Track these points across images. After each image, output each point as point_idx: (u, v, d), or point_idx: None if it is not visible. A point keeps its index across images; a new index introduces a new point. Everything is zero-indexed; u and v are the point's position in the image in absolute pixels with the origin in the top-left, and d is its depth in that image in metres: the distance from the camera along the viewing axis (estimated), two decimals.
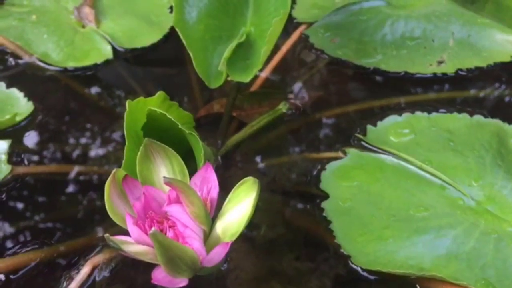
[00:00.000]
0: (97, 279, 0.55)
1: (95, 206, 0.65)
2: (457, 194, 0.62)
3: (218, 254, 0.41)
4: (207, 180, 0.44)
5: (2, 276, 0.56)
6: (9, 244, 0.60)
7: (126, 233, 0.56)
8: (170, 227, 0.42)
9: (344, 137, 0.71)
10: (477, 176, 0.63)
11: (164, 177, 0.40)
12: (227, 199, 0.45)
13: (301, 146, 0.72)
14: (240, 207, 0.43)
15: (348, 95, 0.79)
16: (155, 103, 0.60)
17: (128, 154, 0.53)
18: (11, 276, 0.56)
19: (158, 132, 0.58)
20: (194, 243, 0.40)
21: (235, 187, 0.45)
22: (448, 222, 0.59)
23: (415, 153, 0.66)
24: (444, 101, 0.75)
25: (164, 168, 0.45)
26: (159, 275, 0.40)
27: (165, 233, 0.42)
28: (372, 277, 0.56)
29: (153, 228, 0.37)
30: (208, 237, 0.43)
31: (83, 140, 0.73)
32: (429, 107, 0.73)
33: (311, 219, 0.61)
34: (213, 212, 0.44)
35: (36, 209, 0.64)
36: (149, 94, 0.59)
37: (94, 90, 0.79)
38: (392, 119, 0.70)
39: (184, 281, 0.40)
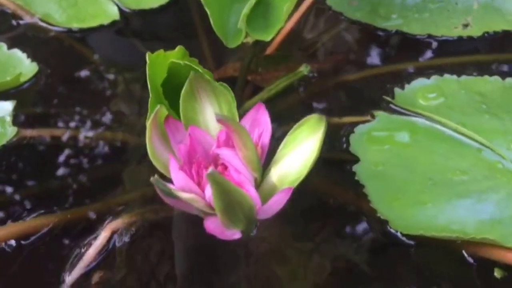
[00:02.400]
0: (117, 244, 0.51)
1: (108, 171, 0.61)
2: (496, 157, 0.58)
3: (277, 202, 0.37)
4: (258, 123, 0.40)
5: (13, 241, 0.52)
6: (18, 209, 0.55)
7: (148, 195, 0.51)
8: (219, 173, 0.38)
9: (369, 100, 0.67)
10: None
11: (217, 114, 0.36)
12: (282, 143, 0.41)
13: (323, 110, 0.68)
14: (301, 149, 0.39)
15: (370, 58, 0.75)
16: (175, 57, 0.55)
17: (153, 108, 0.49)
18: (22, 242, 0.52)
19: (180, 87, 0.54)
20: (251, 190, 0.36)
21: (292, 129, 0.40)
22: (489, 186, 0.56)
23: (447, 116, 0.63)
24: (473, 64, 0.71)
25: (211, 108, 0.40)
26: (212, 224, 0.36)
27: None
28: (412, 242, 0.52)
29: (210, 168, 0.33)
30: (259, 186, 0.38)
31: (91, 104, 0.69)
32: (457, 70, 0.69)
33: (341, 184, 0.57)
34: (263, 160, 0.40)
35: (45, 174, 0.60)
36: None
37: (100, 52, 0.75)
38: (420, 82, 0.67)
39: (238, 233, 0.36)
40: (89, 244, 0.51)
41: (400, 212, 0.53)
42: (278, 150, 0.40)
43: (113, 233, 0.51)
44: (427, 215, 0.53)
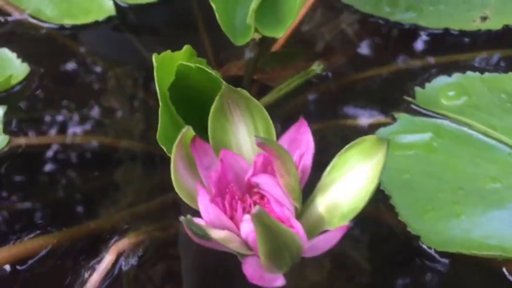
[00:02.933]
0: (123, 268, 0.46)
1: (109, 182, 0.56)
2: None
3: (328, 241, 0.32)
4: (299, 143, 0.35)
5: (7, 266, 0.46)
6: (13, 229, 0.50)
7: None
8: (255, 204, 0.33)
9: (387, 100, 0.63)
10: None
11: (256, 136, 0.31)
12: (330, 165, 0.36)
13: (337, 111, 0.63)
14: (355, 176, 0.34)
15: (385, 54, 0.70)
16: (182, 58, 0.51)
17: (164, 118, 0.44)
18: (18, 267, 0.47)
19: (189, 92, 0.49)
20: (298, 227, 0.31)
21: (344, 150, 0.35)
22: None
23: (473, 117, 0.59)
24: (494, 60, 0.67)
25: (245, 128, 0.35)
26: (250, 267, 0.31)
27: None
28: (446, 260, 0.48)
29: (257, 207, 0.28)
30: (300, 218, 0.33)
31: (87, 107, 0.63)
32: (478, 66, 0.65)
33: None
34: (302, 186, 0.35)
35: (40, 187, 0.55)
36: None
37: (96, 51, 0.69)
38: (441, 80, 0.63)
39: (282, 279, 0.31)
40: (93, 269, 0.46)
41: (432, 226, 0.49)
42: (324, 175, 0.35)
43: (119, 255, 0.46)
44: (462, 229, 0.49)
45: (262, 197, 0.33)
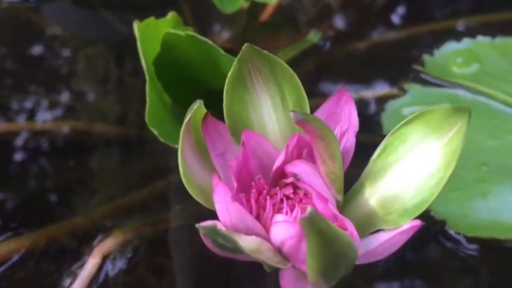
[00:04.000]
0: (110, 274, 0.40)
1: (86, 173, 0.50)
2: None
3: (390, 244, 0.25)
4: (339, 117, 0.28)
5: None
6: None
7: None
8: (287, 200, 0.26)
9: (393, 70, 0.57)
10: None
11: (294, 111, 0.24)
12: (381, 146, 0.29)
13: (340, 83, 0.57)
14: (420, 157, 0.27)
15: (385, 20, 0.64)
16: (167, 26, 0.44)
17: (153, 97, 0.38)
18: None
19: (178, 67, 0.43)
20: (351, 228, 0.25)
21: (398, 126, 0.29)
22: None
23: (489, 86, 0.54)
24: (504, 23, 0.61)
25: (269, 100, 0.28)
26: (290, 284, 0.24)
27: (289, 214, 0.25)
28: (475, 246, 0.42)
29: (309, 208, 0.21)
30: (342, 213, 0.27)
31: (56, 89, 0.56)
32: (488, 30, 0.59)
33: None
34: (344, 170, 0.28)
35: (8, 181, 0.48)
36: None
37: (64, 26, 0.62)
38: (450, 46, 0.57)
39: None
40: (74, 275, 0.40)
41: (458, 209, 0.43)
42: (374, 158, 0.29)
43: (104, 258, 0.40)
44: (490, 209, 0.44)
45: (296, 190, 0.26)
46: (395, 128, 0.28)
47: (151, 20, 0.42)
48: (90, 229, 0.43)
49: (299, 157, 0.26)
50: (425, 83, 0.54)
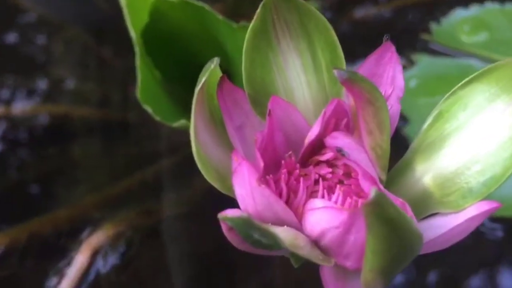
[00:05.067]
0: (102, 270, 0.36)
1: (68, 161, 0.45)
2: None
3: (458, 232, 0.21)
4: (381, 79, 0.23)
5: None
6: None
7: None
8: (324, 181, 0.22)
9: (398, 40, 0.53)
10: None
11: (338, 68, 0.19)
12: (434, 112, 0.25)
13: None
14: (488, 123, 0.22)
15: None
16: None
17: (144, 71, 0.33)
18: None
19: (170, 39, 0.38)
20: (410, 214, 0.20)
21: (456, 88, 0.24)
22: None
23: (503, 54, 0.50)
24: None
25: (298, 59, 0.23)
26: (329, 278, 0.20)
27: (326, 198, 0.21)
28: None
29: (373, 189, 0.16)
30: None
31: (31, 73, 0.52)
32: None
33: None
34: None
35: None
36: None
37: (40, 5, 0.57)
38: (457, 14, 0.53)
39: None
40: (61, 274, 0.35)
41: None
42: (425, 127, 0.24)
43: (94, 254, 0.36)
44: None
45: (334, 169, 0.22)
46: (451, 92, 0.24)
47: None
48: (77, 222, 0.39)
49: (336, 128, 0.22)
50: (434, 53, 0.51)
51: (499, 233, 0.40)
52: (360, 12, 0.56)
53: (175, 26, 0.38)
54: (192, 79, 0.41)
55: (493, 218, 0.40)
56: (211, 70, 0.21)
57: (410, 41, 0.51)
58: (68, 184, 0.44)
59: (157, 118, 0.32)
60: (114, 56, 0.54)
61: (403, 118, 0.46)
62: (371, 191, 0.16)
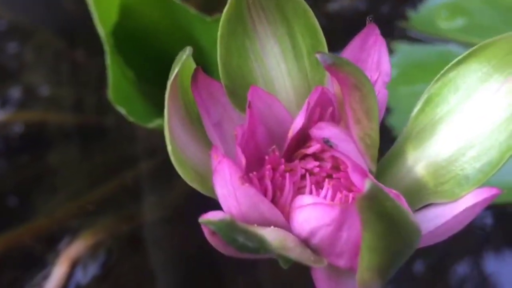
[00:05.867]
0: (81, 282, 0.34)
1: (43, 170, 0.44)
2: None
3: (457, 222, 0.20)
4: (365, 64, 0.22)
5: None
6: None
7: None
8: (311, 176, 0.21)
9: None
10: None
11: (321, 52, 0.18)
12: (424, 97, 0.23)
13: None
14: (481, 105, 0.21)
15: None
16: None
17: (115, 70, 0.32)
18: None
19: (141, 36, 0.37)
20: (405, 205, 0.19)
21: (444, 70, 0.23)
22: None
23: (482, 38, 0.49)
24: None
25: (277, 46, 0.21)
26: (322, 279, 0.18)
27: (314, 194, 0.20)
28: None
29: (367, 181, 0.15)
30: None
31: (5, 81, 0.50)
32: None
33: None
34: None
35: None
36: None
37: (8, 9, 0.55)
38: (435, 0, 0.53)
39: None
40: (39, 287, 0.34)
41: None
42: (414, 114, 0.23)
43: (73, 265, 0.34)
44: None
45: (321, 163, 0.20)
46: (440, 74, 0.23)
47: None
48: (54, 232, 0.37)
49: (321, 119, 0.20)
50: (412, 40, 0.50)
51: (488, 221, 0.40)
52: (335, 5, 0.55)
53: (145, 23, 0.36)
54: (166, 77, 0.39)
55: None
56: (184, 61, 0.19)
57: (387, 30, 0.51)
58: (46, 193, 0.43)
59: (131, 119, 0.31)
60: (87, 59, 0.53)
61: (386, 109, 0.45)
62: (365, 184, 0.15)
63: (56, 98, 0.50)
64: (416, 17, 0.52)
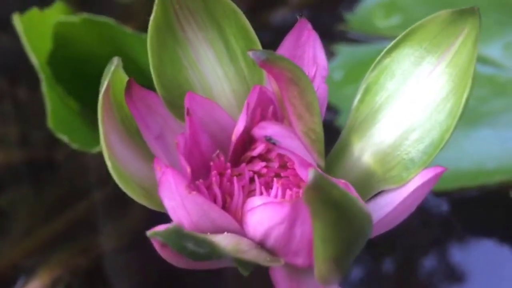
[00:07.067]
0: None
1: None
2: (492, 70, 0.47)
3: (407, 206, 0.20)
4: (301, 61, 0.21)
5: None
6: None
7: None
8: (260, 177, 0.20)
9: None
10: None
11: (254, 50, 0.18)
12: (363, 86, 0.22)
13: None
14: (418, 87, 0.21)
15: None
16: (56, 16, 0.37)
17: (53, 98, 0.31)
18: None
19: (78, 63, 0.36)
20: (355, 193, 0.19)
21: (380, 57, 0.23)
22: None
23: None
24: None
25: (210, 50, 0.21)
26: (281, 278, 0.18)
27: (272, 194, 0.19)
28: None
29: (311, 170, 0.14)
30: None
31: None
32: None
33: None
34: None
35: None
36: None
37: None
38: (369, 0, 0.54)
39: None
40: None
41: None
42: (356, 104, 0.23)
43: None
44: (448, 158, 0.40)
45: (268, 163, 0.20)
46: (375, 62, 0.23)
47: (34, 11, 0.35)
48: (8, 273, 0.36)
49: (263, 118, 0.20)
50: (353, 41, 0.51)
51: (444, 208, 0.40)
52: (273, 17, 0.55)
53: (81, 48, 0.36)
54: None
55: (437, 193, 0.39)
56: (113, 72, 0.19)
57: (327, 34, 0.51)
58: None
59: (75, 146, 0.30)
60: (29, 94, 0.51)
61: (334, 110, 0.45)
62: (309, 174, 0.14)
63: (1, 137, 0.49)
64: (354, 19, 0.52)
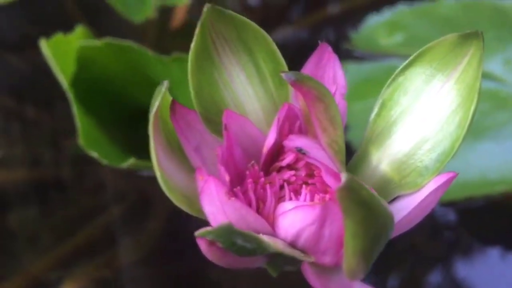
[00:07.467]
0: None
1: (12, 231, 0.44)
2: (493, 84, 0.49)
3: (422, 209, 0.21)
4: (322, 81, 0.24)
5: None
6: None
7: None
8: (289, 185, 0.22)
9: None
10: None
11: (285, 71, 0.20)
12: (379, 103, 0.24)
13: None
14: (429, 103, 0.23)
15: (298, 5, 0.62)
16: (79, 40, 0.39)
17: (82, 116, 0.33)
18: None
19: (99, 84, 0.38)
20: (377, 196, 0.21)
21: (392, 78, 0.25)
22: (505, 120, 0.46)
23: None
24: None
25: (242, 73, 0.24)
26: (315, 276, 0.20)
27: (301, 199, 0.21)
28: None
29: (344, 174, 0.16)
30: None
31: None
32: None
33: None
34: None
35: None
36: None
37: None
38: (372, 20, 0.56)
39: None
40: None
41: None
42: (373, 118, 0.25)
43: None
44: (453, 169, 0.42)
45: (296, 172, 0.22)
46: (389, 81, 0.25)
47: (59, 36, 0.37)
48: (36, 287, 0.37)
49: (290, 132, 0.22)
50: (358, 59, 0.53)
51: (451, 217, 0.42)
52: (278, 35, 0.57)
53: (104, 70, 0.37)
54: (128, 121, 0.40)
55: (444, 203, 0.41)
56: (163, 93, 0.21)
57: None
58: (21, 251, 0.43)
59: (104, 162, 0.31)
60: (38, 115, 0.53)
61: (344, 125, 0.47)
62: (342, 177, 0.16)
63: (11, 159, 0.50)
64: (358, 38, 0.54)
